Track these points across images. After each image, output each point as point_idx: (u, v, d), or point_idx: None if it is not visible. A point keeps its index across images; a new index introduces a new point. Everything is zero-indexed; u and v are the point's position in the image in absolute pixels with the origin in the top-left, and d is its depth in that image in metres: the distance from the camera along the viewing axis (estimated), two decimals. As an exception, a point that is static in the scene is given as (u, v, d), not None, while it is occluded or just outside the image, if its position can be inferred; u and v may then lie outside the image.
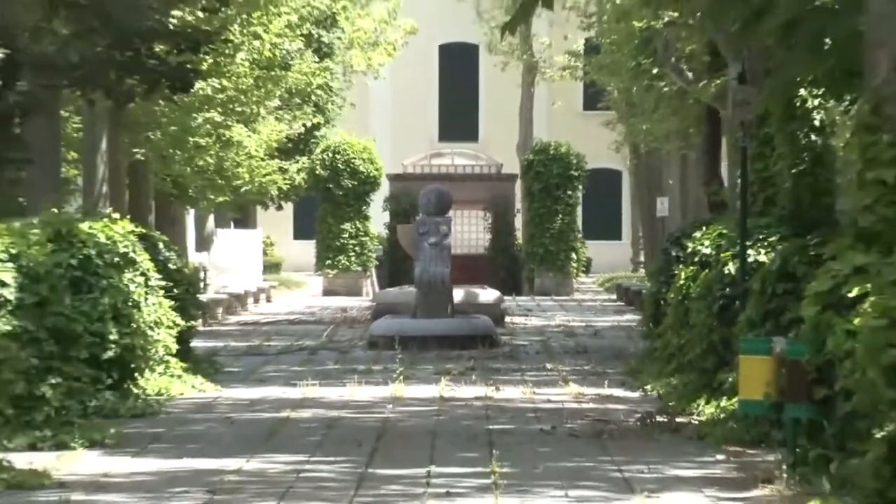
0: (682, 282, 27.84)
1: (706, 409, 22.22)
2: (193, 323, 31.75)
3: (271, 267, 64.46)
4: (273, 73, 45.57)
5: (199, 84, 36.22)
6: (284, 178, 56.04)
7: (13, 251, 20.76)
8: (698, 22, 28.48)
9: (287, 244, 73.66)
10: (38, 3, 27.32)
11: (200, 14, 31.82)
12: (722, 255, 25.14)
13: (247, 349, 37.24)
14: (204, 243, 57.70)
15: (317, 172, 62.35)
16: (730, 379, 21.36)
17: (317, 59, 52.56)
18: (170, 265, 29.93)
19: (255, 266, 58.75)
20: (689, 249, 28.75)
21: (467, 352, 34.95)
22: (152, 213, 42.73)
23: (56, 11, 27.79)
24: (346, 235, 64.11)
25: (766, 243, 22.64)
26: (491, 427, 22.59)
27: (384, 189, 64.19)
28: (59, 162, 31.75)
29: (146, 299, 25.89)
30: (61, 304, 21.95)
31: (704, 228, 29.34)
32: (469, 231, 59.23)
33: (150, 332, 25.85)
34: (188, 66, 32.82)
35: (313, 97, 55.74)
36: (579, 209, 66.06)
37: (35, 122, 29.55)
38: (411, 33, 65.88)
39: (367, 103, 70.54)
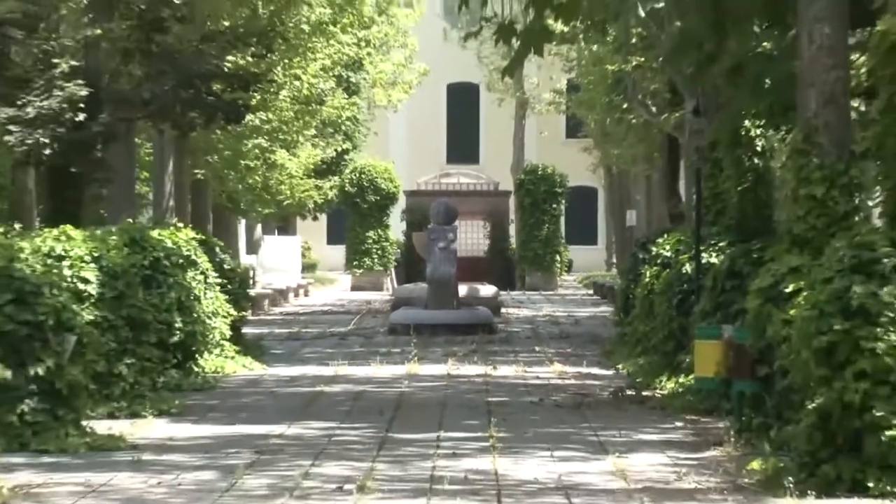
0: (647, 279, 27.87)
1: (667, 385, 22.25)
2: (244, 313, 31.68)
3: (308, 267, 64.23)
4: (310, 108, 45.55)
5: (248, 116, 36.22)
6: (319, 194, 55.92)
7: (95, 254, 20.90)
8: (660, 66, 28.51)
9: (321, 248, 73.31)
10: (117, 50, 27.39)
11: (250, 59, 31.88)
12: (680, 257, 25.19)
13: (288, 335, 37.07)
14: (253, 247, 57.61)
15: (346, 189, 62.28)
16: (687, 359, 21.33)
17: (346, 96, 52.49)
18: (225, 265, 29.79)
19: (295, 266, 58.50)
20: (653, 253, 28.74)
21: (470, 337, 34.80)
22: (210, 222, 42.68)
23: (132, 57, 27.90)
24: (370, 241, 64.04)
25: (716, 248, 22.69)
26: (489, 399, 22.62)
27: (401, 203, 63.99)
28: (133, 181, 31.78)
29: (205, 293, 25.92)
30: (135, 298, 22.01)
31: (666, 235, 29.32)
32: (471, 237, 59.05)
33: (208, 321, 25.89)
34: (240, 101, 32.87)
35: (343, 127, 55.66)
36: (562, 219, 65.84)
37: (114, 148, 29.60)
38: (424, 75, 65.67)
39: (387, 132, 70.27)
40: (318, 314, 47.25)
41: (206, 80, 30.44)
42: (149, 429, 18.96)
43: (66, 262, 19.69)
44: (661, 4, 24.95)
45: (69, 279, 19.24)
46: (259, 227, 59.61)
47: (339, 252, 69.51)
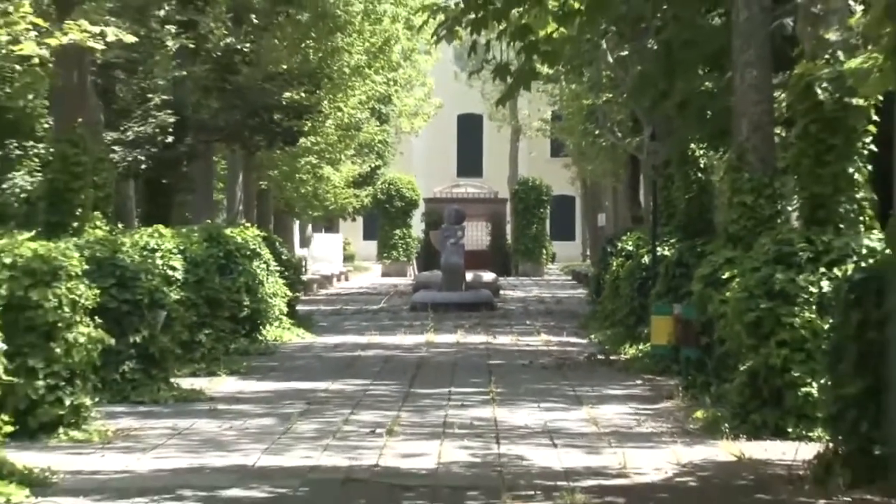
0: (614, 268, 27.92)
1: (630, 351, 22.21)
2: (297, 294, 31.69)
3: (348, 258, 64.14)
4: (349, 133, 45.60)
5: (301, 140, 36.30)
6: (357, 201, 55.93)
7: (181, 247, 20.91)
8: (624, 101, 28.48)
9: (358, 243, 73.23)
10: (199, 87, 27.38)
11: (302, 94, 31.86)
12: (640, 250, 25.23)
13: (332, 311, 37.07)
14: (305, 242, 57.56)
15: (377, 197, 62.30)
16: (645, 331, 21.29)
17: (378, 124, 52.48)
18: (282, 257, 29.73)
19: (338, 257, 58.40)
20: (619, 247, 28.76)
21: (475, 313, 34.77)
22: (271, 222, 42.70)
23: (210, 93, 27.92)
24: (397, 237, 64.12)
25: (668, 243, 22.66)
26: (490, 362, 22.60)
27: (421, 208, 64.01)
28: (211, 190, 31.80)
29: (267, 278, 25.90)
30: (212, 282, 22.01)
31: (628, 234, 29.40)
32: (476, 235, 58.89)
33: (269, 300, 25.87)
34: (294, 128, 32.88)
35: (375, 148, 55.65)
36: (547, 221, 65.75)
37: (196, 164, 29.58)
38: (439, 107, 65.61)
39: (410, 152, 70.13)
40: (356, 295, 47.29)
41: (268, 111, 30.48)
42: (222, 385, 19.04)
43: (158, 254, 19.71)
44: (625, 53, 24.92)
45: (160, 267, 19.26)
46: (309, 226, 59.67)
47: (372, 246, 69.56)
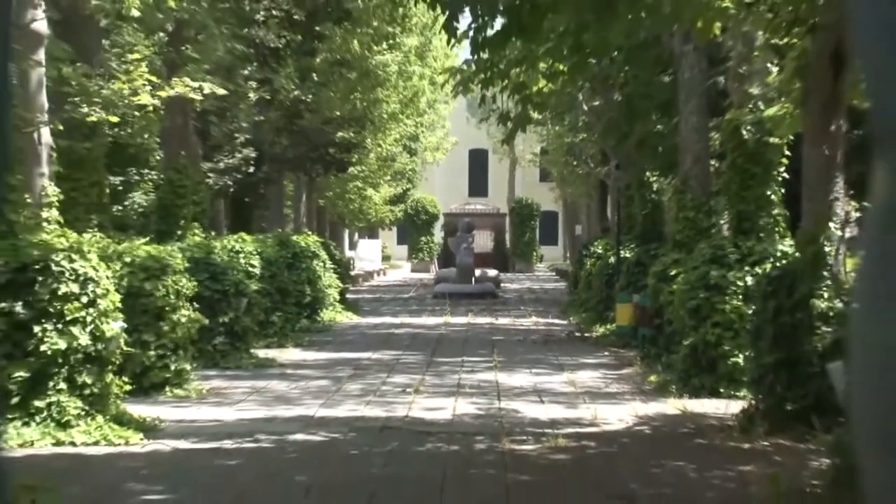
0: (587, 266, 27.94)
1: (599, 330, 22.18)
2: (347, 285, 31.79)
3: (385, 258, 64.21)
4: (387, 163, 45.77)
5: (349, 168, 36.44)
6: (392, 215, 56.26)
7: (259, 250, 20.92)
8: (596, 140, 28.47)
9: (393, 246, 73.10)
10: (273, 128, 27.46)
11: (351, 134, 31.95)
12: (607, 253, 25.26)
13: (373, 299, 37.14)
14: (352, 246, 57.68)
15: (408, 212, 62.31)
16: (611, 315, 21.36)
17: (408, 156, 52.63)
18: (335, 257, 29.93)
19: (377, 257, 58.49)
20: (591, 250, 28.82)
21: (481, 301, 34.75)
22: (327, 231, 42.77)
23: (282, 133, 27.96)
24: (423, 243, 64.18)
25: (629, 248, 22.63)
26: (493, 338, 22.56)
27: (440, 220, 64.06)
28: (282, 206, 31.86)
29: (324, 274, 25.97)
30: (282, 276, 22.08)
31: (598, 240, 29.52)
32: (483, 241, 58.51)
33: (325, 290, 25.93)
34: (345, 159, 33.00)
35: (406, 175, 55.74)
36: (537, 230, 65.83)
37: (270, 187, 29.68)
38: (455, 144, 65.71)
39: (433, 178, 70.13)
40: (391, 287, 47.33)
41: (324, 147, 30.58)
42: (289, 355, 19.05)
43: (241, 255, 19.73)
44: (597, 103, 24.92)
45: (243, 265, 19.29)
46: (356, 234, 59.80)
47: (403, 249, 69.73)
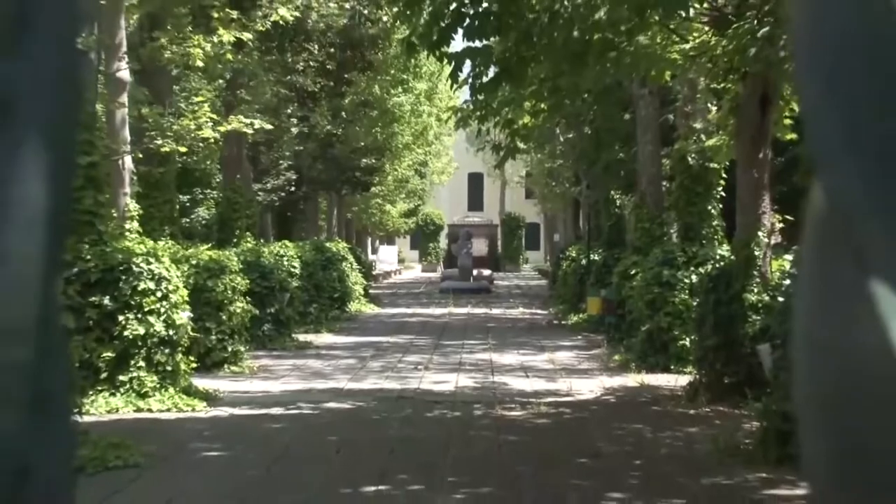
0: (564, 267, 27.83)
1: (574, 318, 22.10)
2: (369, 283, 31.70)
3: (400, 260, 64.14)
4: (402, 184, 45.67)
5: (372, 188, 36.40)
6: (406, 225, 56.26)
7: (299, 254, 20.89)
8: (571, 165, 28.45)
9: (407, 251, 72.96)
10: (310, 156, 27.43)
11: (373, 160, 31.92)
12: (580, 256, 25.16)
13: (391, 293, 37.13)
14: (374, 251, 57.55)
15: (419, 223, 62.32)
16: (583, 306, 21.33)
17: (419, 178, 52.57)
18: (361, 259, 29.98)
19: (394, 260, 58.15)
20: (567, 254, 28.72)
21: (478, 295, 34.76)
22: (354, 238, 42.69)
23: (317, 160, 27.91)
24: (431, 248, 64.25)
25: (597, 252, 22.60)
26: (488, 325, 22.59)
27: (445, 230, 63.92)
28: (317, 219, 31.78)
29: (351, 273, 25.95)
30: (318, 275, 22.06)
31: (573, 246, 29.33)
32: (479, 246, 58.27)
33: (353, 286, 25.87)
34: (367, 181, 32.96)
35: (417, 194, 55.66)
36: (523, 238, 65.91)
37: (308, 203, 29.66)
38: (456, 168, 65.61)
39: (440, 196, 69.88)
40: (405, 284, 47.33)
41: (351, 171, 30.53)
42: (324, 339, 19.04)
43: (284, 258, 19.70)
44: (571, 135, 24.92)
45: (286, 266, 19.28)
46: (377, 241, 59.69)
47: (415, 253, 69.67)
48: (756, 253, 11.13)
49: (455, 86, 9.94)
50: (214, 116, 16.32)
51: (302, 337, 18.29)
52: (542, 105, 11.76)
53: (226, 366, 13.67)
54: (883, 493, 0.33)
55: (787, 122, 12.21)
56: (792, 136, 12.01)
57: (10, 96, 0.35)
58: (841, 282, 0.33)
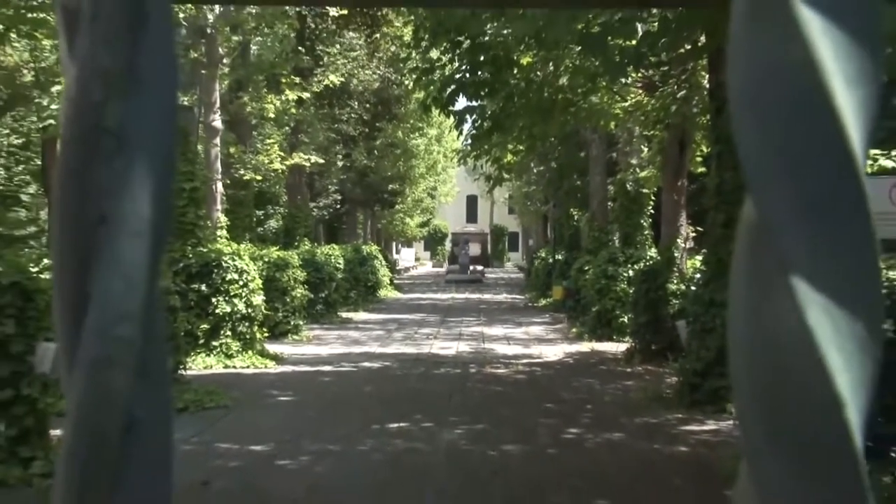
0: (536, 264, 27.63)
1: (543, 302, 22.04)
2: (394, 275, 31.57)
3: (417, 259, 64.11)
4: (418, 203, 45.51)
5: (396, 206, 36.33)
6: (421, 233, 56.05)
7: (343, 254, 20.82)
8: (542, 190, 28.35)
9: (421, 252, 72.72)
10: (351, 182, 27.29)
11: (397, 186, 31.89)
12: (547, 256, 25.02)
13: (409, 283, 37.04)
14: (397, 252, 57.44)
15: (430, 232, 62.22)
16: (550, 293, 21.27)
17: (431, 199, 52.40)
18: (387, 258, 29.85)
19: (412, 259, 58.15)
20: (539, 255, 28.60)
21: (473, 285, 34.72)
22: (383, 243, 42.62)
23: (356, 186, 27.83)
24: (438, 249, 64.26)
25: (560, 253, 22.55)
26: (480, 307, 22.52)
27: (449, 237, 63.75)
28: (356, 228, 31.59)
29: (381, 268, 25.86)
30: (357, 269, 21.91)
31: (542, 249, 29.20)
32: (474, 249, 58.30)
33: (382, 278, 25.69)
34: (393, 201, 32.87)
35: (430, 210, 55.58)
36: (506, 243, 65.75)
37: (349, 217, 29.56)
38: (458, 191, 65.54)
39: (445, 212, 69.82)
40: (420, 276, 47.18)
41: (381, 193, 30.42)
42: (360, 316, 18.95)
43: (332, 257, 19.63)
44: (542, 168, 24.88)
45: (333, 262, 19.26)
46: (399, 244, 59.50)
47: (428, 253, 69.39)
48: (675, 254, 11.18)
49: (458, 133, 9.99)
50: (281, 154, 16.41)
51: (344, 314, 18.26)
52: (521, 147, 11.81)
53: (289, 335, 13.70)
54: (801, 449, 0.32)
55: (698, 159, 12.26)
56: (701, 169, 12.05)
57: (123, 130, 0.36)
58: (767, 277, 0.33)
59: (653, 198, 14.35)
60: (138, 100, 0.36)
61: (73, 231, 0.36)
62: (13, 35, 8.98)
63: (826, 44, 0.33)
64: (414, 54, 10.67)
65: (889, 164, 7.90)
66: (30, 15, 7.81)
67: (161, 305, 0.38)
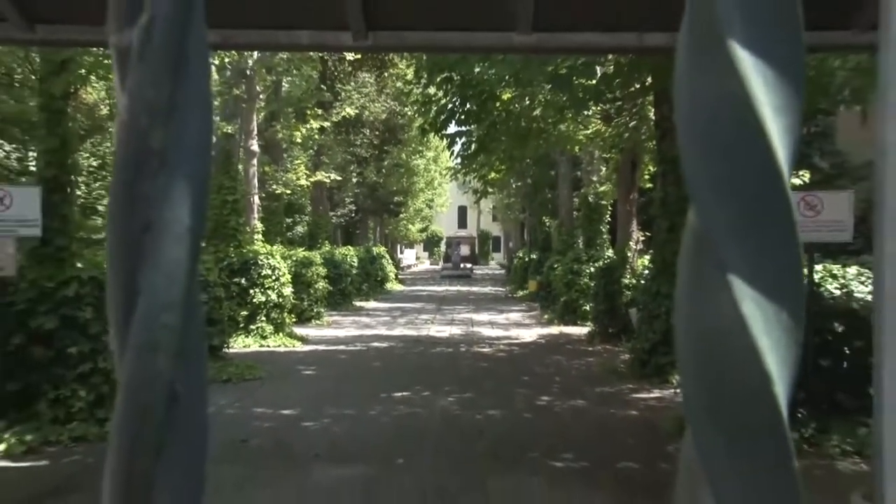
0: (515, 263, 27.48)
1: (521, 293, 21.89)
2: (398, 271, 31.47)
3: (417, 258, 63.77)
4: (419, 212, 45.33)
5: (400, 215, 36.21)
6: (420, 237, 55.80)
7: (356, 254, 20.68)
8: (520, 201, 28.25)
9: (421, 252, 72.63)
10: (363, 195, 27.22)
11: (401, 198, 31.79)
12: (524, 256, 24.96)
13: (411, 278, 36.85)
14: (401, 252, 57.18)
15: (428, 236, 62.00)
16: (527, 285, 21.20)
17: (428, 209, 52.10)
18: (393, 257, 29.78)
19: (413, 258, 57.93)
20: (517, 255, 28.46)
21: (464, 279, 34.60)
22: (389, 245, 42.45)
23: (367, 198, 27.72)
24: (435, 250, 63.95)
25: (535, 253, 22.46)
26: (469, 297, 22.40)
27: (444, 240, 63.53)
28: (367, 233, 31.42)
29: (387, 266, 25.70)
30: (368, 266, 21.69)
31: (520, 250, 29.09)
32: (464, 250, 58.22)
33: (388, 274, 25.50)
34: (398, 210, 32.75)
35: (428, 218, 55.36)
36: (490, 245, 65.61)
37: (362, 224, 29.42)
38: (450, 203, 65.23)
39: (440, 219, 69.57)
40: (420, 272, 47.06)
41: (388, 204, 30.33)
42: (371, 304, 18.78)
43: (348, 256, 19.53)
44: (520, 184, 24.85)
45: (349, 261, 19.18)
46: (403, 246, 59.18)
47: (426, 253, 69.12)
48: (628, 255, 11.20)
49: (451, 154, 10.00)
50: (307, 172, 16.38)
51: (358, 303, 18.17)
52: (502, 166, 11.83)
53: (312, 320, 13.65)
54: (736, 419, 0.32)
55: (647, 177, 12.28)
56: (649, 185, 12.07)
57: (166, 151, 0.36)
58: (708, 275, 0.33)
59: (610, 208, 14.33)
60: (178, 126, 0.37)
61: (123, 236, 0.36)
62: (93, 77, 9.19)
63: (757, 79, 0.33)
64: (415, 90, 10.68)
65: (797, 181, 8.01)
66: (106, 61, 8.00)
67: (199, 297, 0.37)
